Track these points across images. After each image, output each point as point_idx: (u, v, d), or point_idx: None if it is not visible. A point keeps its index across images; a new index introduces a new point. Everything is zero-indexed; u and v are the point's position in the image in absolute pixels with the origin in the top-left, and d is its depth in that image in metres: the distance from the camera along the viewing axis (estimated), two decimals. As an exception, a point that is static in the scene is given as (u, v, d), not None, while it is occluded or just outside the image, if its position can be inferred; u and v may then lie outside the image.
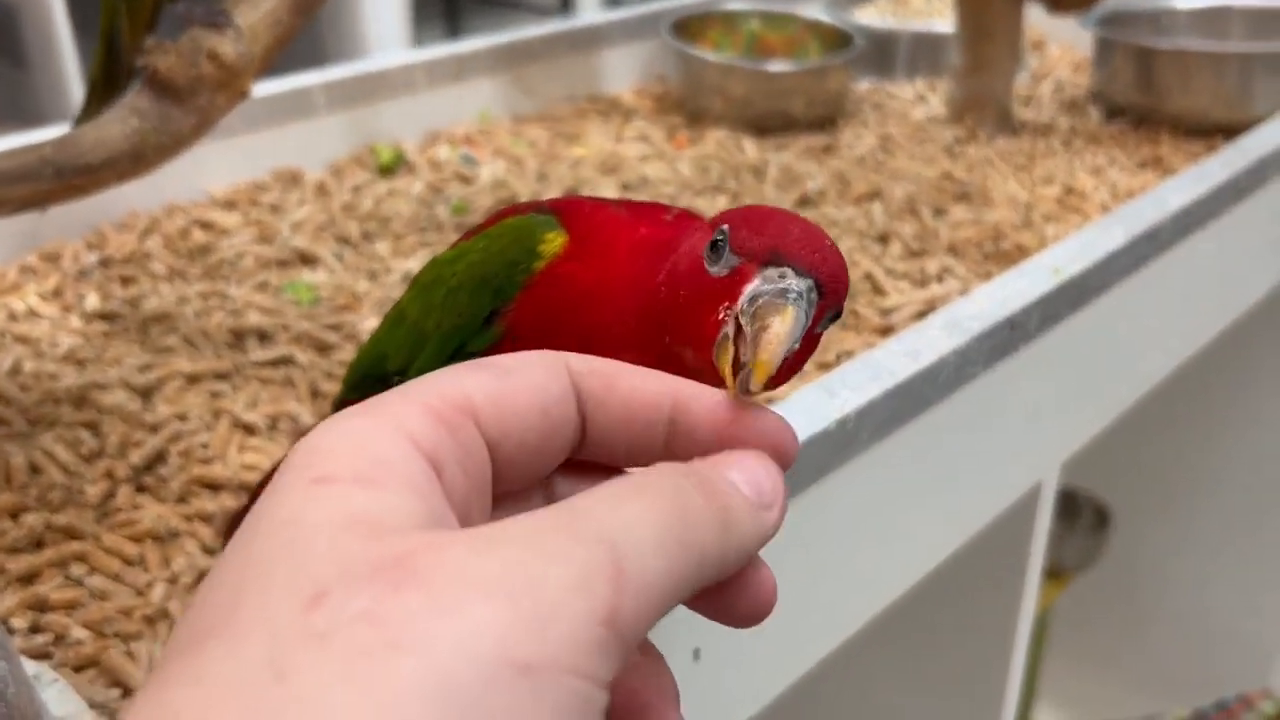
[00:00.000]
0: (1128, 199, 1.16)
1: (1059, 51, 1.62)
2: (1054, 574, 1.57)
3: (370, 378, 0.56)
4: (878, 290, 0.98)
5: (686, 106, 1.38)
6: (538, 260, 0.47)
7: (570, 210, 0.50)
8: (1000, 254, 1.05)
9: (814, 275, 0.39)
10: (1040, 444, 0.87)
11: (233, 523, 0.64)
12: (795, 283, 0.39)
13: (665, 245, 0.44)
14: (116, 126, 0.75)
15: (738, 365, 0.37)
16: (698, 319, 0.40)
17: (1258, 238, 1.13)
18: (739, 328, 0.38)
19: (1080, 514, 1.61)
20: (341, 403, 0.60)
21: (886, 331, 0.92)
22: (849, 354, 0.88)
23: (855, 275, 0.99)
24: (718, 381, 0.38)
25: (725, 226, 0.41)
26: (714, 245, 0.40)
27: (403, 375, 0.53)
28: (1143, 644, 1.75)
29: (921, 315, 0.92)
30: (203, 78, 0.78)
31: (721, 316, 0.39)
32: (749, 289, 0.39)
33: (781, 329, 0.37)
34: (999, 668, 0.94)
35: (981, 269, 1.02)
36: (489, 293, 0.49)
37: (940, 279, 1.00)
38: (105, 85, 0.80)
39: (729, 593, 0.35)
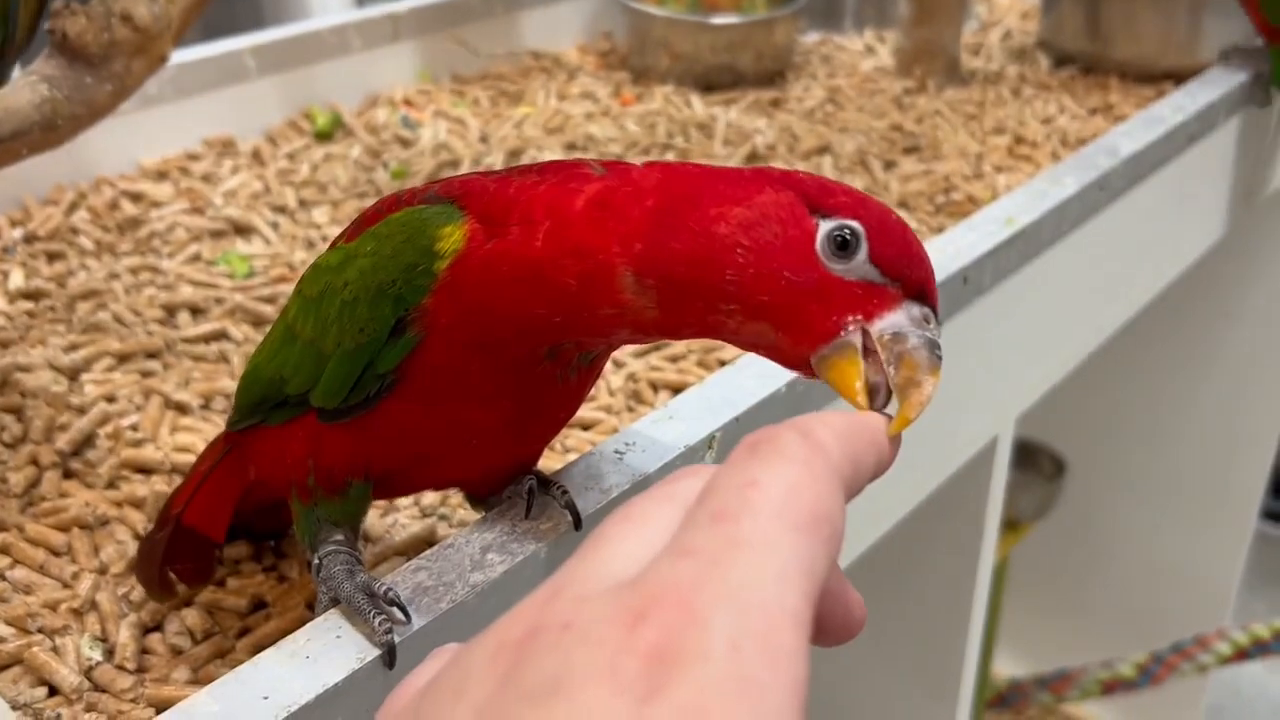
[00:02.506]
0: (1079, 146, 1.15)
1: (1006, 1, 1.60)
2: (1010, 524, 1.57)
3: (268, 402, 0.52)
4: (829, 246, 0.96)
5: (632, 63, 1.35)
6: (438, 260, 0.44)
7: (469, 191, 0.45)
8: (952, 205, 1.03)
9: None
10: (996, 399, 0.86)
11: (144, 553, 0.60)
12: (937, 331, 0.40)
13: (632, 196, 0.42)
14: (26, 95, 0.71)
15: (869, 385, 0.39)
16: (806, 311, 0.39)
17: (1209, 183, 1.12)
18: (868, 347, 0.39)
19: (1036, 464, 1.61)
20: (235, 428, 0.55)
21: (838, 288, 0.90)
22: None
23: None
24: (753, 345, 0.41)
25: (858, 226, 0.39)
26: (842, 242, 0.39)
27: (305, 399, 0.49)
28: (1099, 590, 1.76)
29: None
30: (117, 42, 0.74)
31: (849, 325, 0.39)
32: (894, 321, 0.40)
33: (933, 391, 0.39)
34: (960, 620, 0.93)
35: (934, 221, 1.00)
36: (388, 302, 0.45)
37: (892, 233, 0.98)
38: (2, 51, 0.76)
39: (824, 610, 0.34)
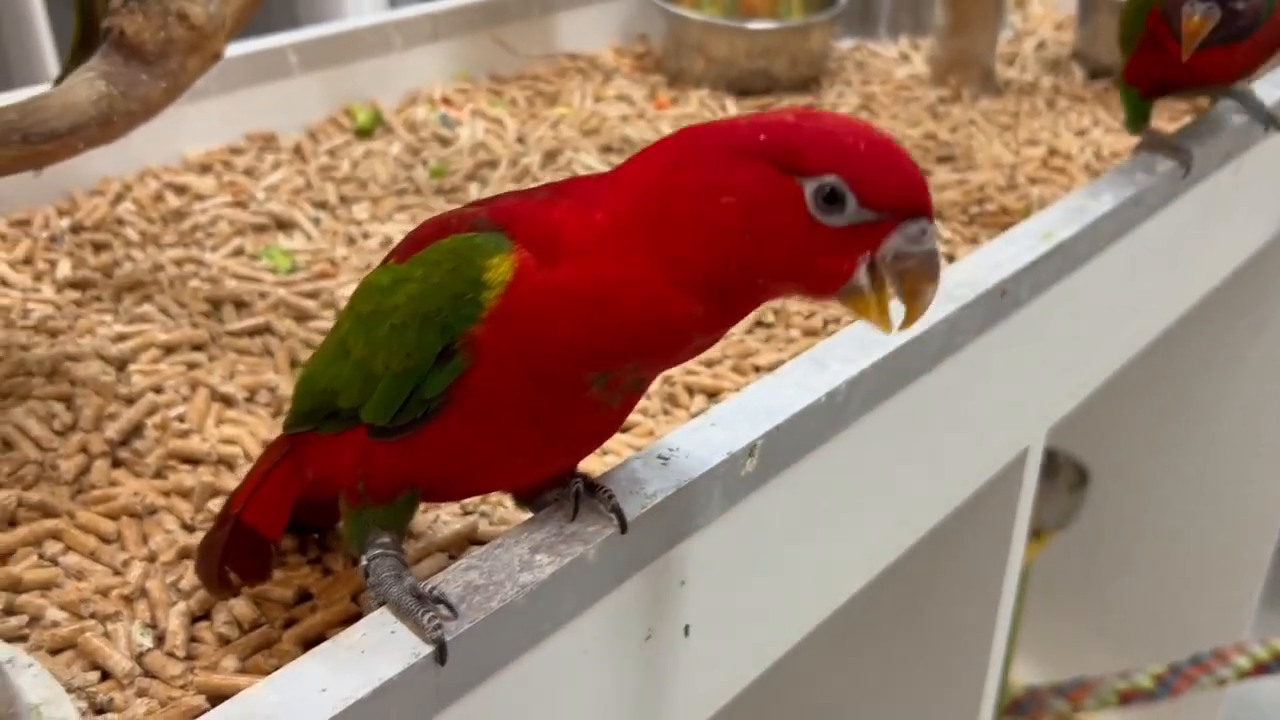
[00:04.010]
0: (1113, 160, 1.16)
1: (1041, 10, 1.60)
2: (1033, 533, 1.57)
3: (320, 412, 0.54)
4: (863, 255, 0.97)
5: (667, 66, 1.35)
6: (485, 291, 0.45)
7: (516, 218, 0.47)
8: (985, 216, 1.04)
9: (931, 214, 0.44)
10: (1027, 410, 0.87)
11: (204, 551, 0.61)
12: (932, 236, 0.43)
13: (639, 211, 0.44)
14: (84, 91, 0.73)
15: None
16: (818, 267, 0.43)
17: (1243, 201, 1.12)
18: (875, 271, 0.43)
19: (1059, 473, 1.61)
20: (291, 431, 0.57)
21: (872, 297, 0.91)
22: (835, 320, 0.87)
23: (840, 239, 0.98)
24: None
25: (838, 181, 0.41)
26: (830, 196, 0.41)
27: (355, 413, 0.51)
28: (1119, 600, 1.76)
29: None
30: (173, 40, 0.76)
31: (859, 264, 0.43)
32: (893, 245, 0.43)
33: (933, 295, 0.44)
34: (984, 631, 0.94)
35: (968, 231, 1.01)
36: (435, 330, 0.46)
37: (926, 243, 0.99)
38: (82, 49, 0.77)
39: None
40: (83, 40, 0.78)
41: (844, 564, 0.72)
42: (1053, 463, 1.62)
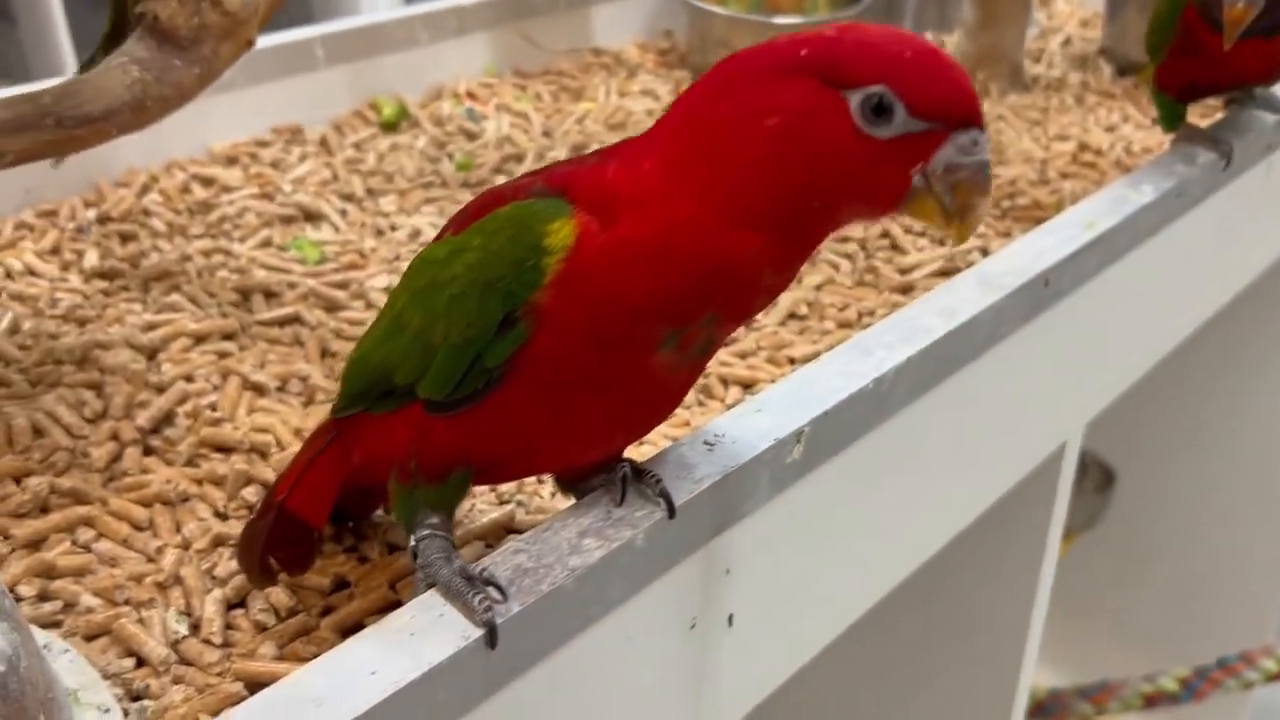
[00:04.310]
0: (1144, 156, 1.14)
1: (1067, 8, 1.59)
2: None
3: (374, 391, 0.53)
4: (896, 248, 0.96)
5: (692, 61, 1.35)
6: (547, 256, 0.44)
7: (573, 183, 0.46)
8: (1018, 210, 1.03)
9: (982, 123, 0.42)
10: (1067, 404, 0.86)
11: (246, 540, 0.60)
12: (984, 146, 0.42)
13: (686, 153, 0.44)
14: (117, 76, 0.72)
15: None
16: (874, 183, 0.42)
17: (1277, 199, 1.11)
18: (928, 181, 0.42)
19: (1086, 474, 1.60)
20: (341, 414, 0.56)
21: (906, 290, 0.90)
22: (869, 313, 0.86)
23: (874, 233, 0.97)
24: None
25: (886, 90, 0.40)
26: (878, 108, 0.40)
27: (411, 389, 0.50)
28: (1144, 602, 1.74)
29: (944, 274, 0.91)
30: (206, 26, 0.75)
31: (914, 176, 0.42)
32: (944, 156, 0.42)
33: (986, 209, 0.43)
34: (1018, 630, 0.93)
35: (1000, 225, 1.00)
36: (497, 298, 0.45)
37: (959, 236, 0.98)
38: (115, 35, 0.77)
39: None
40: (115, 25, 0.77)
41: (887, 555, 0.70)
42: (1079, 463, 1.61)
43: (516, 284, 0.45)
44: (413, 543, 0.49)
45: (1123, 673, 1.61)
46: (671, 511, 0.51)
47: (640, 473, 0.52)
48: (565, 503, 0.55)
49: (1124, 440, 1.62)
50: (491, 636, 0.44)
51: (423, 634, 0.44)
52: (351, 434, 0.56)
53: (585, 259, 0.44)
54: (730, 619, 0.58)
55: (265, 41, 1.12)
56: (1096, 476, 1.59)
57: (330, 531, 0.64)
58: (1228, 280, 1.06)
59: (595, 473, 0.53)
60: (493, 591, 0.46)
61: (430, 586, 0.47)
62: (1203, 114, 1.20)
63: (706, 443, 0.56)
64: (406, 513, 0.51)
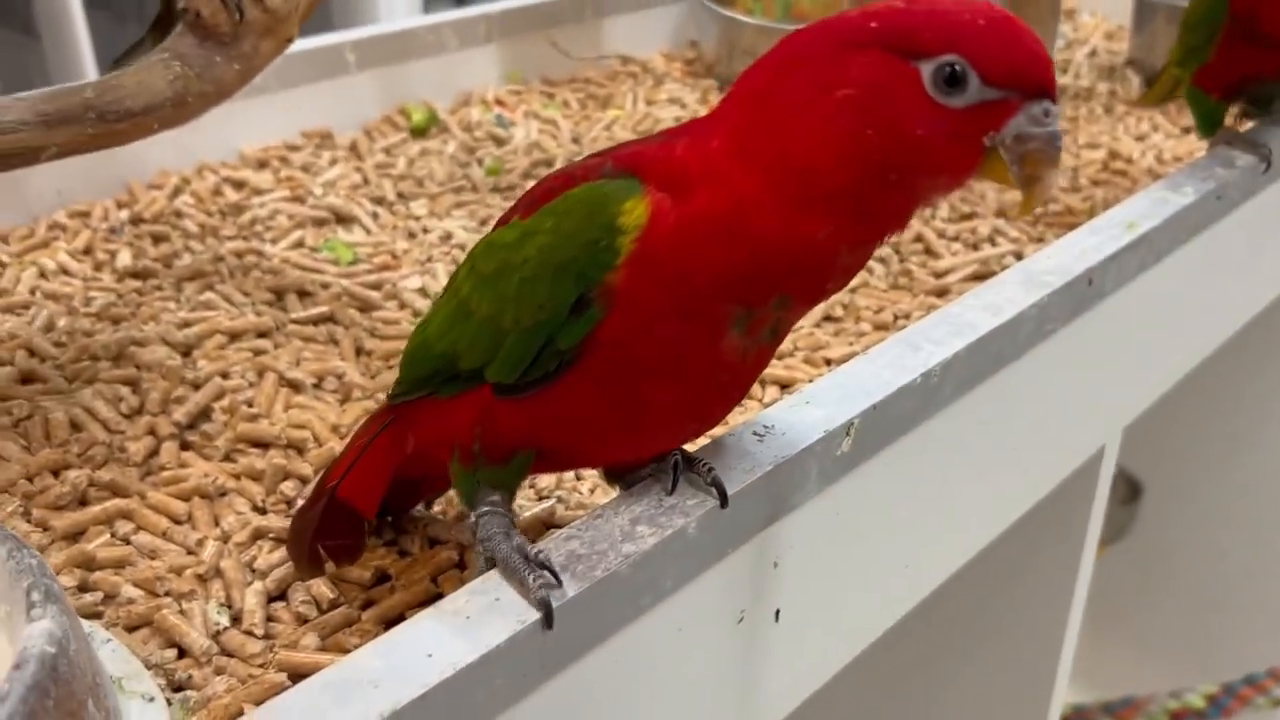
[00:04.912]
0: (1174, 164, 1.14)
1: (1092, 20, 1.59)
2: (1086, 548, 1.55)
3: (440, 375, 0.52)
4: (930, 252, 0.96)
5: (719, 70, 1.35)
6: (620, 236, 0.44)
7: (643, 162, 0.46)
8: (1050, 216, 1.02)
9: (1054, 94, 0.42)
10: (1106, 405, 0.85)
11: (296, 529, 0.59)
12: (1056, 116, 0.42)
13: (760, 128, 0.43)
14: (159, 71, 0.72)
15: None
16: (949, 153, 0.41)
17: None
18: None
19: (1113, 486, 1.58)
20: (400, 400, 0.56)
21: (941, 293, 0.89)
22: (904, 315, 0.86)
23: (907, 237, 0.97)
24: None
25: (959, 59, 0.40)
26: (951, 77, 0.40)
27: (478, 373, 0.50)
28: (1170, 617, 1.73)
29: (977, 277, 0.90)
30: (248, 23, 0.75)
31: (986, 143, 0.41)
32: (1016, 125, 0.41)
33: (1055, 181, 0.42)
34: (1054, 637, 0.92)
35: (1034, 231, 1.00)
36: (570, 280, 0.45)
37: (993, 241, 0.97)
38: (158, 29, 0.77)
39: None
40: (159, 20, 0.77)
41: (929, 554, 0.70)
42: (1106, 475, 1.60)
43: (590, 265, 0.44)
44: (472, 519, 0.49)
45: (1149, 689, 1.59)
46: (724, 500, 0.50)
47: (691, 461, 0.52)
48: (606, 498, 0.54)
49: (1151, 453, 1.61)
50: (548, 617, 0.44)
51: (479, 618, 0.44)
52: (408, 420, 0.56)
53: (659, 237, 0.44)
54: (777, 614, 0.58)
55: (296, 46, 1.11)
56: (1123, 489, 1.58)
57: (373, 525, 0.64)
58: (1266, 284, 1.05)
59: (646, 463, 0.52)
60: (548, 575, 0.45)
61: (490, 563, 0.47)
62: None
63: (756, 433, 0.55)
64: (468, 491, 0.51)
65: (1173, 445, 1.61)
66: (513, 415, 0.49)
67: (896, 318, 0.86)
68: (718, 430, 0.72)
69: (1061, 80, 1.36)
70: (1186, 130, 1.23)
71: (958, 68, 0.40)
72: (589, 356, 0.46)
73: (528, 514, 0.64)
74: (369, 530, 0.59)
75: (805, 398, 0.58)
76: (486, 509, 0.49)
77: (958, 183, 0.43)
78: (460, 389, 0.51)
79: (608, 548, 0.47)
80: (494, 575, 0.47)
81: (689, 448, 0.54)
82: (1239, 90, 0.92)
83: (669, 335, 0.45)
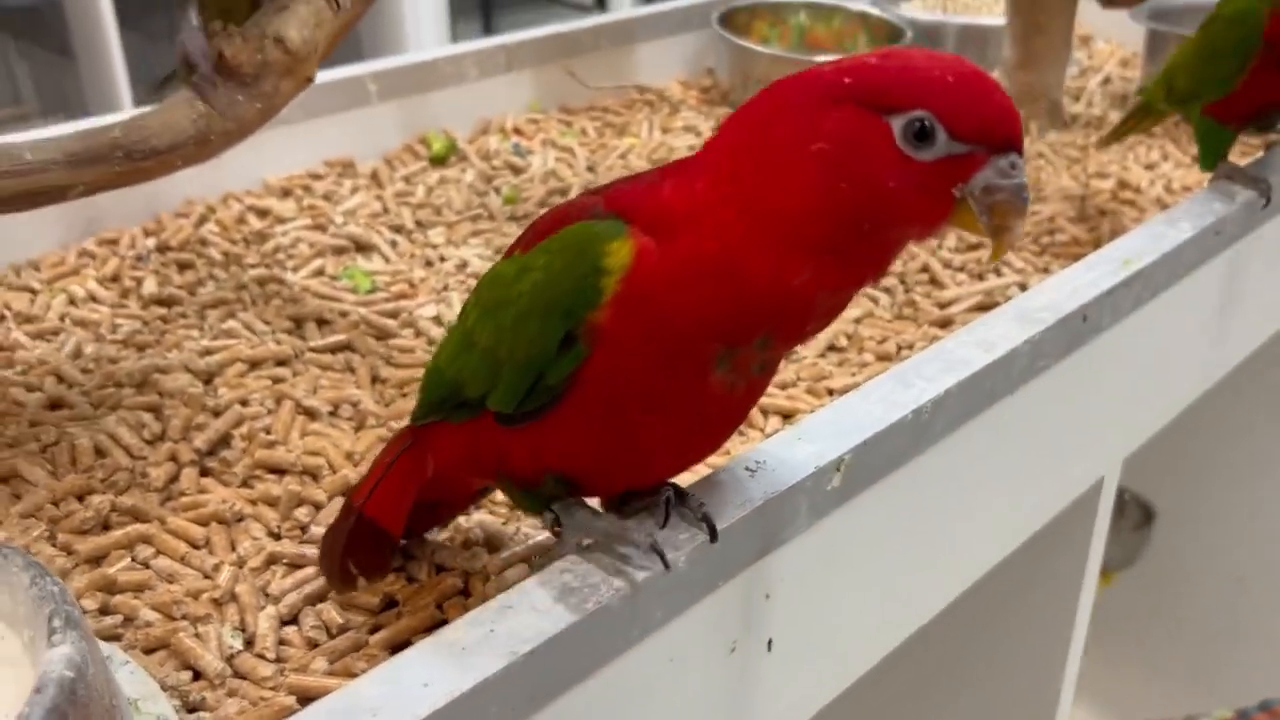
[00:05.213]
0: (1183, 194, 1.15)
1: (1107, 47, 1.60)
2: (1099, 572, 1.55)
3: (449, 403, 0.55)
4: (935, 282, 0.97)
5: (733, 99, 1.37)
6: (605, 276, 0.46)
7: (629, 205, 0.48)
8: (1057, 246, 1.04)
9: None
10: (1104, 440, 0.86)
11: (327, 545, 0.62)
12: (1021, 169, 0.44)
13: (739, 176, 0.45)
14: (183, 110, 0.75)
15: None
16: (919, 205, 0.43)
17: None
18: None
19: (1124, 511, 1.59)
20: (419, 422, 0.59)
21: (945, 324, 0.91)
22: (908, 346, 0.88)
23: (913, 267, 0.99)
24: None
25: (928, 115, 0.42)
26: (920, 133, 0.42)
27: (483, 401, 0.52)
28: (1184, 642, 1.73)
29: (982, 308, 0.92)
30: (269, 63, 0.78)
31: (955, 195, 0.43)
32: (983, 178, 0.43)
33: (1021, 229, 0.44)
34: (1055, 664, 0.93)
35: (1039, 261, 1.01)
36: (557, 317, 0.47)
37: (998, 271, 0.99)
38: (188, 67, 0.79)
39: None
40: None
41: (924, 586, 0.71)
42: (1118, 500, 1.60)
43: (576, 303, 0.46)
44: (550, 514, 0.52)
45: (1162, 714, 1.59)
46: (714, 535, 0.52)
47: (683, 496, 0.54)
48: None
49: (1163, 477, 1.62)
50: (664, 560, 0.49)
51: (474, 649, 0.46)
52: (427, 441, 0.58)
53: (642, 279, 0.46)
54: (769, 644, 0.59)
55: (320, 77, 1.14)
56: (1134, 514, 1.58)
57: (399, 544, 0.66)
58: (1266, 320, 1.06)
59: (641, 495, 0.55)
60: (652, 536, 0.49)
61: (581, 546, 0.50)
62: (1240, 153, 1.21)
63: (748, 469, 0.57)
64: (527, 503, 0.54)
65: (1185, 470, 1.61)
66: (518, 443, 0.52)
67: (900, 348, 0.88)
68: (719, 459, 0.74)
69: (1074, 109, 1.38)
70: (1197, 159, 1.24)
71: (926, 123, 0.42)
72: (577, 392, 0.48)
73: (534, 540, 0.66)
74: (395, 547, 0.62)
75: (798, 434, 0.60)
76: (559, 504, 0.52)
77: (930, 232, 0.45)
78: (468, 416, 0.53)
79: (599, 581, 0.49)
80: (493, 605, 0.49)
81: (683, 482, 0.56)
82: (1253, 118, 0.93)
83: (654, 372, 0.47)
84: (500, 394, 0.50)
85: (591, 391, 0.48)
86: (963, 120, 0.42)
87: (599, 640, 0.49)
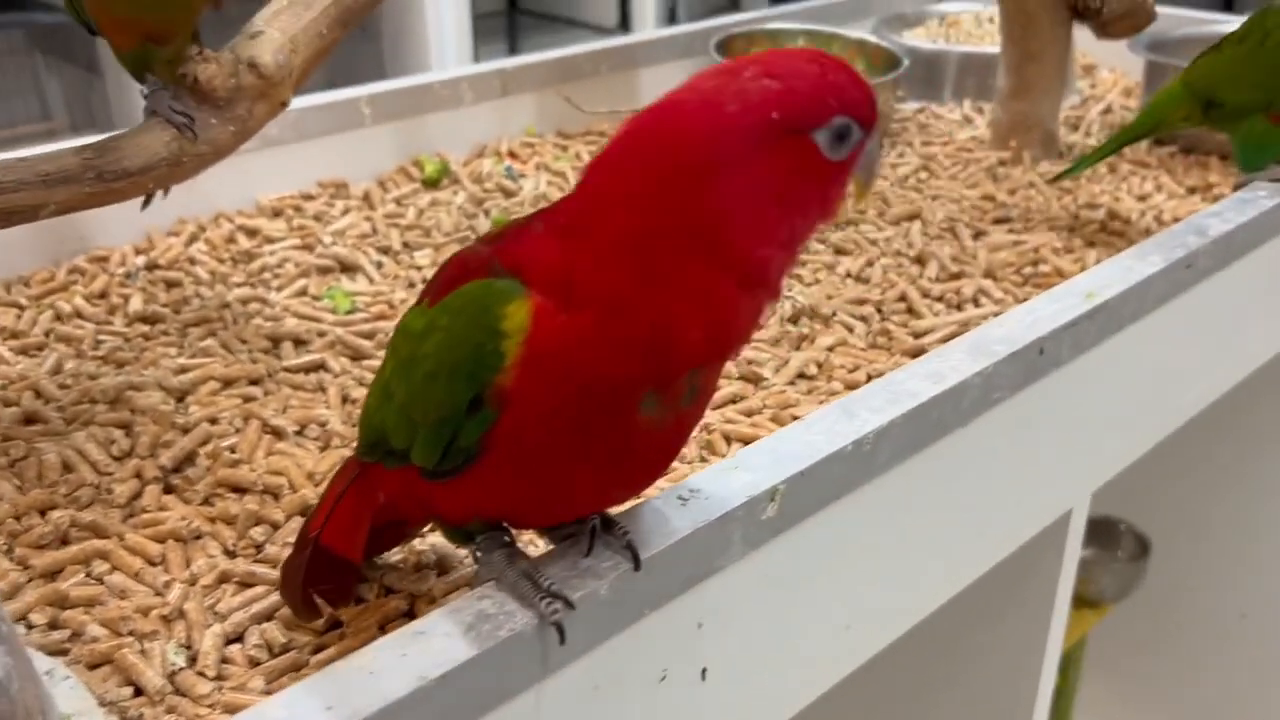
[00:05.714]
0: (1173, 225, 1.14)
1: (1110, 77, 1.60)
2: (1092, 604, 1.54)
3: (378, 449, 0.56)
4: (912, 312, 0.97)
5: (731, 124, 1.37)
6: (505, 340, 0.46)
7: (524, 262, 0.47)
8: (1039, 277, 1.03)
9: None
10: (1071, 472, 0.86)
11: (287, 576, 0.63)
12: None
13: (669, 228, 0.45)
14: (156, 133, 0.77)
15: None
16: (836, 196, 0.47)
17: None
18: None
19: (1119, 543, 1.58)
20: (361, 458, 0.59)
21: (918, 354, 0.91)
22: (880, 374, 0.88)
23: (891, 296, 0.99)
24: None
25: (848, 120, 0.45)
26: (840, 135, 0.45)
27: (407, 454, 0.53)
28: (1181, 676, 1.71)
29: (956, 338, 0.91)
30: (242, 88, 0.79)
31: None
32: (870, 150, 0.47)
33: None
34: (1025, 701, 0.92)
35: (1020, 292, 1.01)
36: (462, 380, 0.47)
37: (976, 302, 0.99)
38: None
39: None
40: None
41: (871, 618, 0.71)
42: (1113, 532, 1.59)
43: (479, 367, 0.46)
44: (473, 546, 0.53)
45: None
46: (637, 564, 0.53)
47: (610, 524, 0.54)
48: (541, 550, 0.57)
49: (1159, 508, 1.60)
50: (561, 635, 0.49)
51: (382, 673, 0.46)
52: (372, 475, 0.59)
53: (543, 341, 0.45)
54: (704, 673, 0.60)
55: (314, 99, 1.17)
56: (1130, 546, 1.57)
57: (362, 568, 0.66)
58: (1246, 354, 1.05)
59: (568, 524, 0.55)
60: (558, 604, 0.49)
61: (491, 582, 0.51)
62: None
63: (681, 497, 0.57)
64: (455, 538, 0.56)
65: (1180, 501, 1.60)
66: (440, 494, 0.52)
67: (870, 377, 0.88)
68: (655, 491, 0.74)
69: (1071, 138, 1.37)
70: (1191, 190, 1.23)
71: (846, 125, 0.45)
72: (493, 450, 0.48)
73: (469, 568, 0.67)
74: (358, 573, 0.62)
75: (735, 463, 0.60)
76: (484, 537, 0.53)
77: (835, 217, 0.48)
78: (398, 464, 0.54)
79: (515, 609, 0.50)
80: (408, 630, 0.49)
81: (622, 505, 0.57)
82: None
83: (572, 425, 0.47)
84: (419, 451, 0.51)
85: (506, 451, 0.48)
86: (865, 111, 0.46)
87: (513, 667, 0.49)
